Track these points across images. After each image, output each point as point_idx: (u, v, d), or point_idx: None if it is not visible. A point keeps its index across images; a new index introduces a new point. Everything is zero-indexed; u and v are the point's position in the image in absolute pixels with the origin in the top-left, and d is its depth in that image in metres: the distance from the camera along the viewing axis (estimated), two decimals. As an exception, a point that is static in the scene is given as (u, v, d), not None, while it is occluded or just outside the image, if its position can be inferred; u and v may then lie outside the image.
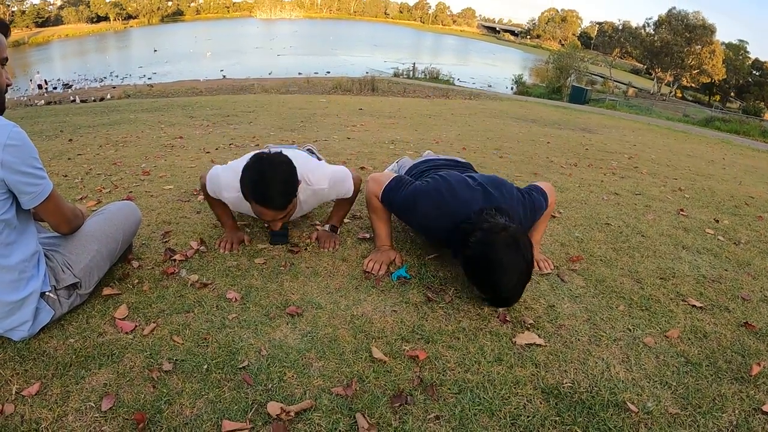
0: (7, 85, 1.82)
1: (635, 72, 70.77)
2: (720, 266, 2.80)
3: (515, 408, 1.59)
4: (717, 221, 3.64)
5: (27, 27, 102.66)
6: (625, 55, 64.34)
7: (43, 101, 23.28)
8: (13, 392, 1.58)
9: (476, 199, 2.23)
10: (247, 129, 7.27)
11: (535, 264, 2.51)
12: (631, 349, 1.94)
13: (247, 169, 2.17)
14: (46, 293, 1.86)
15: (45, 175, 1.76)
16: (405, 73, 39.60)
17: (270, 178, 2.12)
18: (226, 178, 2.44)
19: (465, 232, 2.07)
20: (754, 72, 56.45)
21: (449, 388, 1.66)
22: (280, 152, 2.23)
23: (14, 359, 1.74)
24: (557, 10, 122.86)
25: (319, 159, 3.74)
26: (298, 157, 2.42)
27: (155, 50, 63.63)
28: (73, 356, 1.76)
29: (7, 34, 1.78)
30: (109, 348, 1.81)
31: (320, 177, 2.50)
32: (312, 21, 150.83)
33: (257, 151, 2.25)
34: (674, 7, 51.79)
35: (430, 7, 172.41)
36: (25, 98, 27.19)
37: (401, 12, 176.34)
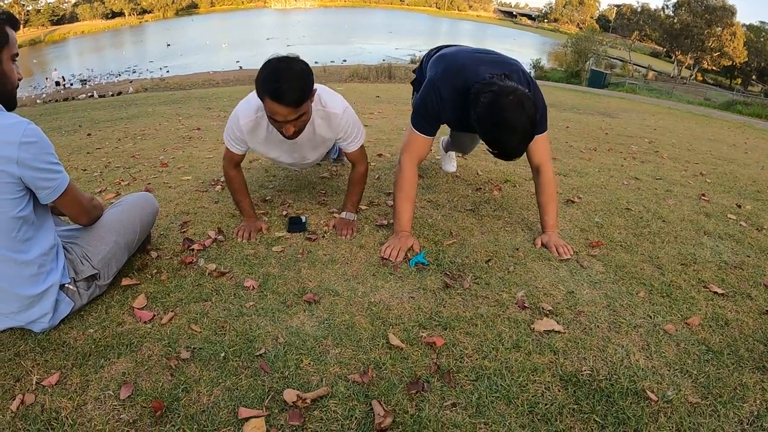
0: (19, 79, 1.83)
1: (655, 55, 69.70)
2: (742, 252, 2.75)
3: (533, 395, 1.58)
4: (739, 206, 3.57)
5: (42, 25, 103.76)
6: (644, 38, 63.10)
7: (61, 97, 23.54)
8: (34, 382, 1.61)
9: (485, 67, 2.36)
10: (263, 118, 7.26)
11: (554, 249, 2.53)
12: (652, 337, 1.91)
13: (263, 66, 2.15)
14: (66, 285, 1.88)
15: (61, 169, 1.77)
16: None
17: (285, 72, 2.10)
18: (242, 106, 2.48)
19: (476, 93, 2.19)
20: (776, 54, 55.24)
21: (466, 375, 1.66)
22: (297, 56, 2.22)
23: (35, 350, 1.77)
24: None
25: (338, 147, 3.77)
26: (318, 85, 2.42)
27: (168, 44, 63.94)
28: (93, 346, 1.78)
29: (16, 28, 1.78)
30: (128, 337, 1.83)
31: (336, 103, 2.51)
32: (327, 9, 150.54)
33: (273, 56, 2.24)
34: (693, -12, 50.85)
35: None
36: (44, 95, 27.52)
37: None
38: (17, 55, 1.79)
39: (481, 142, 2.70)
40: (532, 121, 2.12)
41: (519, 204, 3.22)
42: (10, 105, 1.77)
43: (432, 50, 2.89)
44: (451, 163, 3.81)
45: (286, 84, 2.08)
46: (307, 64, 2.19)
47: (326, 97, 2.50)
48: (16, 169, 1.61)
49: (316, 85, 2.33)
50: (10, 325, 1.84)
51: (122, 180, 3.86)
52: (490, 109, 2.11)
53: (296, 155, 2.75)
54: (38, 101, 20.89)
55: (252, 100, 2.43)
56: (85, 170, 4.28)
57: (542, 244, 2.61)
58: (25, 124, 1.64)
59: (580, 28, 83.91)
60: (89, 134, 6.43)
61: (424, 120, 2.51)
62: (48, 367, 1.68)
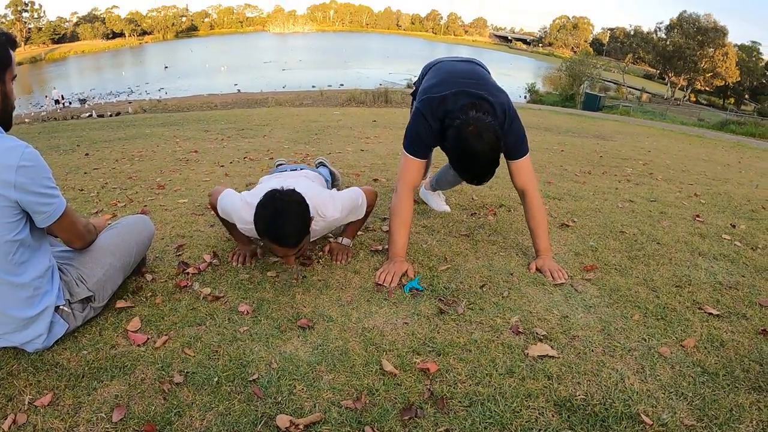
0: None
1: (648, 77, 70.41)
2: (737, 272, 2.76)
3: (527, 421, 1.57)
4: (734, 226, 3.59)
5: (44, 43, 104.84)
6: (637, 61, 63.86)
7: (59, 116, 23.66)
8: (26, 402, 1.61)
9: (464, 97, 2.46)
10: (261, 142, 7.31)
11: (549, 274, 2.54)
12: (646, 360, 1.91)
13: (260, 207, 2.16)
14: (61, 307, 1.89)
15: (58, 194, 1.78)
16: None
17: (283, 217, 2.11)
18: (238, 210, 2.43)
19: (447, 127, 2.37)
20: (768, 73, 55.86)
21: (460, 401, 1.65)
22: (293, 190, 2.22)
23: (27, 370, 1.77)
24: (568, 18, 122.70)
25: (332, 172, 3.76)
26: (310, 189, 2.44)
27: (166, 67, 64.63)
28: (86, 368, 1.79)
29: (15, 48, 1.80)
30: (121, 360, 1.83)
31: (333, 208, 2.48)
32: (325, 34, 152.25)
33: (270, 189, 2.23)
34: (685, 11, 51.43)
35: (441, 17, 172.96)
36: (43, 113, 27.67)
37: (413, 23, 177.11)
38: (15, 76, 1.81)
39: None
40: (493, 148, 2.27)
41: (514, 228, 3.23)
42: (7, 126, 1.78)
43: (432, 62, 2.95)
44: (441, 202, 3.67)
45: (284, 229, 2.11)
46: (303, 200, 2.20)
47: (323, 208, 2.45)
48: (13, 193, 1.62)
49: (310, 186, 2.47)
50: (2, 345, 1.84)
51: (118, 201, 3.87)
52: (454, 141, 2.32)
53: None
54: (33, 120, 20.94)
55: (249, 208, 2.32)
56: (81, 190, 4.29)
57: (537, 269, 2.61)
58: (23, 148, 1.65)
59: (575, 52, 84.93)
60: (87, 154, 6.46)
61: (416, 144, 2.58)
62: (41, 388, 1.68)
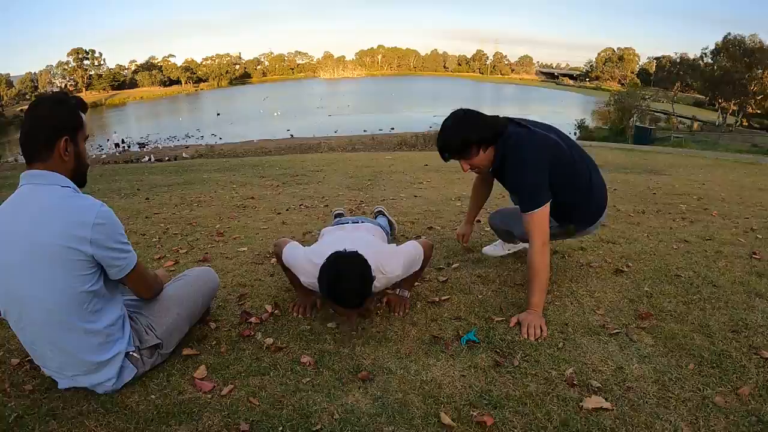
0: None
1: (698, 105, 68.70)
2: (796, 314, 2.70)
3: (584, 475, 1.59)
4: (793, 263, 3.50)
5: (104, 89, 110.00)
6: (686, 89, 62.52)
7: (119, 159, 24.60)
8: None
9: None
10: (315, 189, 7.46)
11: (524, 329, 2.48)
12: (700, 410, 1.90)
13: (324, 270, 2.26)
14: (131, 353, 2.01)
15: (130, 249, 1.92)
16: (468, 125, 39.99)
17: (346, 281, 2.20)
18: (303, 266, 2.53)
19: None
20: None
21: (517, 455, 1.68)
22: (356, 252, 2.31)
23: (98, 411, 1.89)
24: (614, 50, 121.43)
25: (390, 222, 3.86)
26: (371, 246, 2.55)
27: (218, 114, 66.72)
28: (154, 412, 1.88)
29: (85, 111, 1.96)
30: (189, 406, 1.92)
31: (394, 266, 2.55)
32: (374, 78, 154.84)
33: (334, 252, 2.32)
34: (729, 33, 50.34)
35: (487, 57, 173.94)
36: (104, 155, 28.93)
37: (460, 65, 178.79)
38: (88, 136, 1.98)
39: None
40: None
41: (568, 276, 3.22)
42: (82, 184, 1.95)
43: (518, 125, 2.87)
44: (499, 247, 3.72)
45: (348, 291, 2.21)
46: (365, 262, 2.28)
47: (386, 266, 2.52)
48: (89, 249, 1.76)
49: (371, 243, 2.57)
50: (73, 385, 1.97)
51: (180, 248, 4.04)
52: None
53: None
54: (94, 163, 21.81)
55: (313, 266, 2.43)
56: (144, 235, 4.49)
57: (517, 321, 2.57)
58: (98, 207, 1.80)
59: (622, 84, 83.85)
60: (147, 198, 6.73)
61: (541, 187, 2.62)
62: (111, 429, 1.79)
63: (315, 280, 2.34)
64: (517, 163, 2.62)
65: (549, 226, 2.60)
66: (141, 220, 5.24)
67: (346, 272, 2.21)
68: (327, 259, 2.29)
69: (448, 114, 2.70)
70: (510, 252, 3.66)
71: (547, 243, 2.59)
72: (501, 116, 2.79)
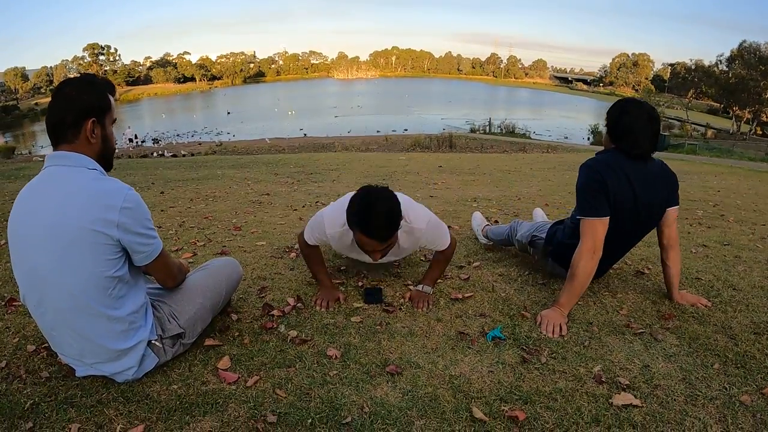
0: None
1: (712, 112, 68.41)
2: (817, 317, 2.69)
3: (617, 470, 1.60)
4: (810, 270, 3.49)
5: (119, 85, 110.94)
6: (700, 96, 62.12)
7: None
8: (117, 431, 1.70)
9: None
10: (331, 187, 7.49)
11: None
12: (728, 408, 1.90)
13: (354, 199, 2.31)
14: (153, 342, 2.00)
15: (156, 235, 1.91)
16: (481, 128, 40.01)
17: (376, 209, 2.23)
18: (329, 215, 2.62)
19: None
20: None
21: (550, 450, 1.68)
22: (386, 187, 2.36)
23: (117, 399, 1.88)
24: (628, 55, 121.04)
25: None
26: (401, 195, 2.54)
27: (228, 113, 66.99)
28: (177, 402, 1.87)
29: (114, 94, 1.94)
30: (213, 397, 1.91)
31: (420, 217, 2.62)
32: (387, 80, 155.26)
33: (365, 185, 2.39)
34: (745, 41, 50.13)
35: (501, 61, 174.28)
36: (118, 150, 29.15)
37: (473, 68, 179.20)
38: (116, 119, 1.95)
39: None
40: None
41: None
42: (109, 167, 1.93)
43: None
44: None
45: (377, 221, 2.23)
46: (396, 199, 2.32)
47: (411, 213, 2.60)
48: (116, 232, 1.75)
49: (401, 194, 2.50)
50: (91, 373, 1.95)
51: (198, 240, 4.05)
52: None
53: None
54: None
55: (338, 213, 2.55)
56: (160, 227, 4.50)
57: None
58: (126, 190, 1.79)
59: (636, 90, 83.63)
60: (162, 192, 6.76)
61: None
62: (131, 418, 1.77)
63: (341, 228, 2.43)
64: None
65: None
66: (156, 213, 5.27)
67: (377, 201, 2.25)
68: (358, 191, 2.34)
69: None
70: (485, 242, 3.89)
71: (596, 250, 2.57)
72: None
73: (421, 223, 2.62)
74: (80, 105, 1.80)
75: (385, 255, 2.49)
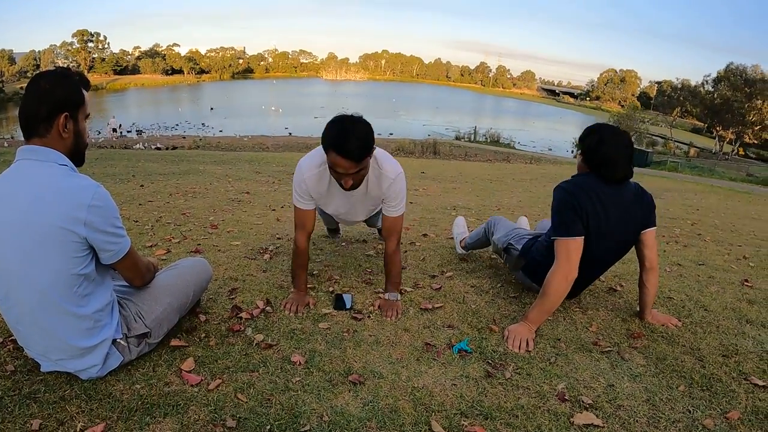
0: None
1: (696, 131, 69.38)
2: (786, 343, 2.71)
3: (573, 493, 1.58)
4: (783, 293, 3.51)
5: (106, 73, 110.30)
6: (685, 114, 62.91)
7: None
8: (78, 429, 1.67)
9: None
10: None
11: (511, 342, 2.51)
12: None
13: (330, 123, 2.37)
14: (118, 340, 1.97)
15: (124, 234, 1.88)
16: (466, 136, 40.22)
17: (352, 129, 2.30)
18: (305, 160, 2.68)
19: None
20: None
21: (507, 468, 1.67)
22: (361, 116, 2.42)
23: (80, 397, 1.84)
24: (616, 71, 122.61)
25: None
26: (378, 148, 2.61)
27: (212, 108, 66.52)
28: (139, 402, 1.84)
29: (87, 88, 1.90)
30: (174, 398, 1.88)
31: (392, 167, 2.70)
32: (376, 83, 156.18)
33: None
34: (732, 62, 50.96)
35: (490, 70, 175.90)
36: (101, 139, 28.88)
37: (462, 75, 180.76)
38: (89, 114, 1.92)
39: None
40: None
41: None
42: (80, 162, 1.90)
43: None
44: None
45: (351, 140, 2.28)
46: (369, 125, 2.40)
47: (383, 159, 2.68)
48: (83, 230, 1.72)
49: (377, 148, 2.54)
50: (55, 369, 1.93)
51: (173, 237, 4.01)
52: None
53: (349, 207, 2.90)
54: (91, 146, 21.80)
55: (315, 155, 2.63)
56: (137, 222, 4.46)
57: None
58: (95, 188, 1.76)
59: (622, 106, 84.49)
60: (142, 185, 6.69)
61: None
62: (93, 416, 1.74)
63: (318, 168, 2.58)
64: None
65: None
66: (134, 206, 5.22)
67: (351, 124, 2.33)
68: (334, 118, 2.40)
69: None
70: (461, 253, 3.89)
71: (570, 271, 2.55)
72: None
73: (391, 173, 2.68)
74: (53, 99, 1.77)
75: (358, 184, 2.53)
